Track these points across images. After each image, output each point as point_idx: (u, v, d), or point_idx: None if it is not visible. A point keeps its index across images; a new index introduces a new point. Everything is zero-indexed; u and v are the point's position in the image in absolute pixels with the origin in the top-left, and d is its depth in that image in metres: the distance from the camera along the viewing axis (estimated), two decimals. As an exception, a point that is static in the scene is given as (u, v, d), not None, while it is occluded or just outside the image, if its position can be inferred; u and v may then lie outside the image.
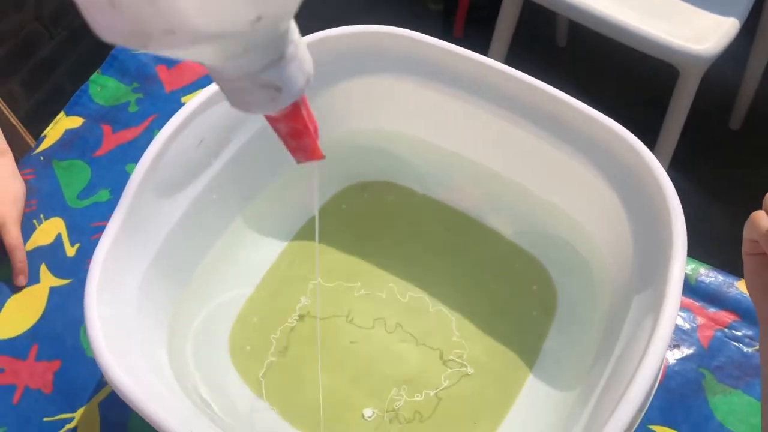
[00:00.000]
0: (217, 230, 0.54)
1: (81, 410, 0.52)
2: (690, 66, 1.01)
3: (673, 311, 0.38)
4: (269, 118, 0.28)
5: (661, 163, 1.16)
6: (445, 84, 0.53)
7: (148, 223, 0.47)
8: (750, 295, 0.39)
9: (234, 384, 0.51)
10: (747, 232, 0.38)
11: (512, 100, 0.51)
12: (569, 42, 1.58)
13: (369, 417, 0.50)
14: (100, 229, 0.60)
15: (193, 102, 0.47)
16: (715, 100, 1.42)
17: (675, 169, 1.23)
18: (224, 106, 0.49)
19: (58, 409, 0.52)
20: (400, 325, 0.54)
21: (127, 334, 0.44)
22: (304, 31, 0.51)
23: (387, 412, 0.50)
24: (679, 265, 0.41)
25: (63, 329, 0.56)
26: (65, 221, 0.62)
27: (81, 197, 0.63)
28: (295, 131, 0.29)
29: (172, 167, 0.47)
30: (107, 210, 0.62)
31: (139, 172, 0.46)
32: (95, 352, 0.40)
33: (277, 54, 0.24)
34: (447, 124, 0.55)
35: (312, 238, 0.58)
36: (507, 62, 0.53)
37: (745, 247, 0.39)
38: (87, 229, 0.61)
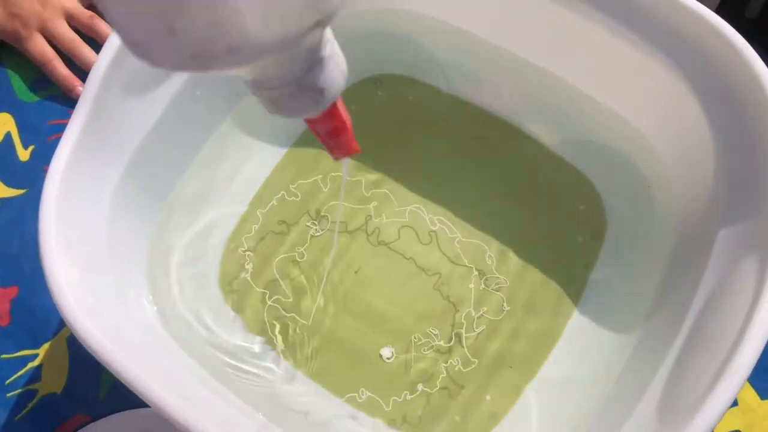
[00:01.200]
0: (202, 134, 0.44)
1: (45, 346, 0.44)
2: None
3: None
4: (308, 121, 0.28)
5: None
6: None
7: (117, 125, 0.38)
8: None
9: (227, 318, 0.43)
10: None
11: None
12: None
13: (388, 358, 0.43)
14: (59, 129, 0.50)
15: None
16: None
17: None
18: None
19: (17, 345, 0.44)
20: (426, 250, 0.46)
21: (97, 267, 0.36)
22: None
23: (409, 351, 0.43)
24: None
25: (19, 250, 0.47)
26: (15, 118, 0.51)
27: (33, 89, 0.52)
28: (334, 130, 0.28)
29: (145, 56, 0.37)
30: (67, 106, 0.51)
31: (102, 62, 0.35)
32: (55, 297, 0.32)
33: (318, 55, 0.24)
34: (479, 5, 0.45)
35: (315, 144, 0.48)
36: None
37: None
38: (43, 128, 0.51)
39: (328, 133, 0.29)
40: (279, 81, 0.24)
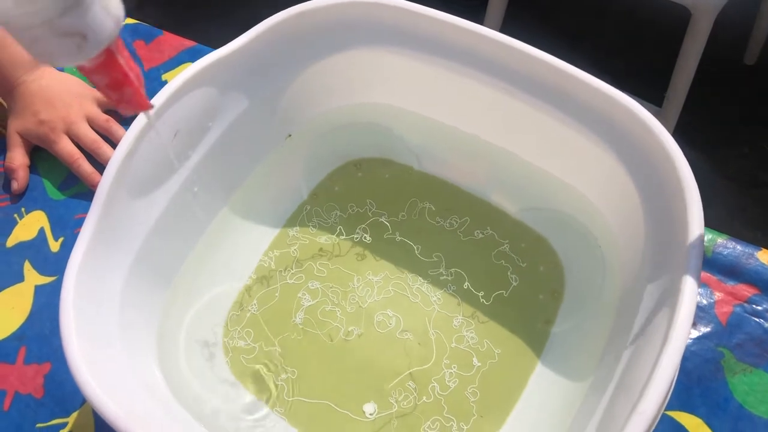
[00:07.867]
0: (202, 223, 0.51)
1: (74, 414, 0.50)
2: (703, 7, 0.95)
3: (690, 308, 0.35)
4: (84, 71, 0.26)
5: (674, 109, 1.11)
6: (439, 55, 0.49)
7: (125, 224, 0.45)
8: None
9: (229, 384, 0.49)
10: None
11: (510, 71, 0.47)
12: (575, -18, 1.51)
13: (371, 414, 0.48)
14: (83, 222, 0.57)
15: (161, 95, 0.43)
16: (728, 34, 1.35)
17: (687, 114, 1.18)
18: (197, 95, 0.46)
19: (50, 414, 0.51)
20: (402, 313, 0.51)
21: (111, 346, 0.42)
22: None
23: (390, 407, 0.48)
24: (695, 261, 0.37)
25: (51, 330, 0.53)
26: (47, 214, 0.59)
27: (62, 188, 0.60)
28: (115, 82, 0.27)
29: (146, 164, 0.44)
30: (89, 201, 0.59)
31: (109, 172, 0.42)
32: (73, 371, 0.38)
33: None
34: (442, 97, 0.52)
35: (304, 224, 0.55)
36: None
37: None
38: (70, 222, 0.58)
39: (109, 85, 0.27)
40: (27, 21, 0.22)
